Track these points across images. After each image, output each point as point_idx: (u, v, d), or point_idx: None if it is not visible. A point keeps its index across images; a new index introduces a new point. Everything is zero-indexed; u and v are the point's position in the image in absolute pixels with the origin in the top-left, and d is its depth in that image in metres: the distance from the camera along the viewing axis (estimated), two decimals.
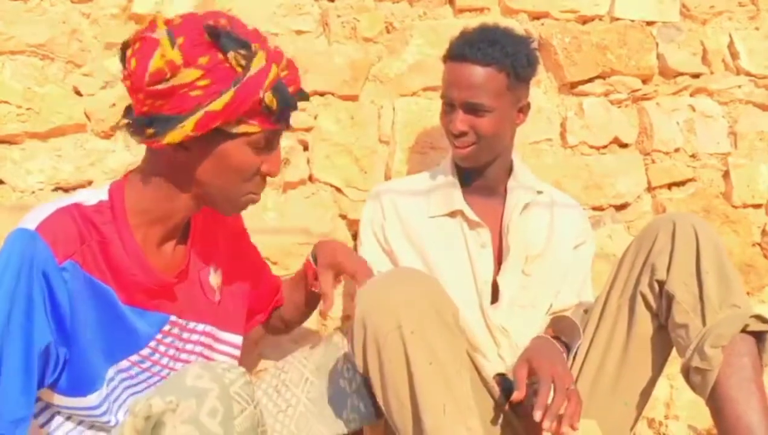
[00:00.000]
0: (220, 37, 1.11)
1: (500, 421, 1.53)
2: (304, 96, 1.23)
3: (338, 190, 2.04)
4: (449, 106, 1.66)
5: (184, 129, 1.12)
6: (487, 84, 1.60)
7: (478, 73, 1.60)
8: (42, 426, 1.21)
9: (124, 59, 1.16)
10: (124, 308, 1.20)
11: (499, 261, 1.69)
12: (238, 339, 1.42)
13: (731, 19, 2.37)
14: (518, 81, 1.65)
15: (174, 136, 1.13)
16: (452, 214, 1.70)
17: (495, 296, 1.66)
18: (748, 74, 2.35)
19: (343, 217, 2.04)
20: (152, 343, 1.25)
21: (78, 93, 1.88)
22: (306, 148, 2.03)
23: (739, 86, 2.34)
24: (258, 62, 1.14)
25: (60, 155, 1.83)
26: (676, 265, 1.42)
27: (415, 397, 1.20)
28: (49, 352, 1.11)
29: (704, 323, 1.37)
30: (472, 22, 1.95)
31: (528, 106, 1.72)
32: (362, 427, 1.50)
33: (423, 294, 1.25)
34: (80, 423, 1.23)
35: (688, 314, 1.39)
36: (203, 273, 1.35)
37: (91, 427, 1.23)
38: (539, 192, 1.77)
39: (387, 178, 2.07)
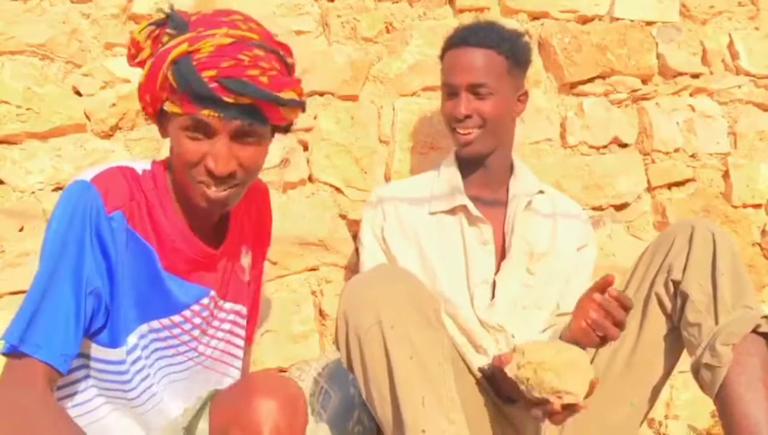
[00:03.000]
0: (169, 18, 1.19)
1: (492, 417, 1.53)
2: (237, 87, 1.14)
3: (338, 190, 2.04)
4: (451, 94, 1.69)
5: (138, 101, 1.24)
6: (489, 66, 1.65)
7: (480, 55, 1.65)
8: (70, 395, 1.23)
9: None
10: (164, 273, 1.24)
11: (500, 259, 1.69)
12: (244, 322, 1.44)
13: (731, 19, 2.37)
14: (516, 66, 1.70)
15: (145, 112, 1.24)
16: (453, 211, 1.70)
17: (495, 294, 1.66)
18: (747, 74, 2.35)
19: (343, 217, 2.04)
20: (186, 312, 1.27)
21: (78, 93, 1.88)
22: (306, 148, 2.03)
23: (739, 86, 2.34)
24: (177, 40, 1.16)
25: (60, 155, 1.83)
26: (692, 266, 1.43)
27: (395, 391, 1.21)
28: (99, 295, 1.15)
29: (717, 323, 1.39)
30: (470, 21, 1.96)
31: (526, 95, 1.75)
32: None
33: (403, 290, 1.26)
34: (103, 392, 1.24)
35: (702, 314, 1.40)
36: (239, 252, 1.38)
37: (114, 398, 1.24)
38: (541, 191, 1.77)
39: (387, 178, 2.07)
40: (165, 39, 1.18)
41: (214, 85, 1.13)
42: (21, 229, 1.78)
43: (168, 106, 1.19)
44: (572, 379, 1.29)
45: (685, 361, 1.53)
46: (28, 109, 1.81)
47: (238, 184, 1.22)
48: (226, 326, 1.37)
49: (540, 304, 1.66)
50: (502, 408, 1.53)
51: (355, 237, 2.03)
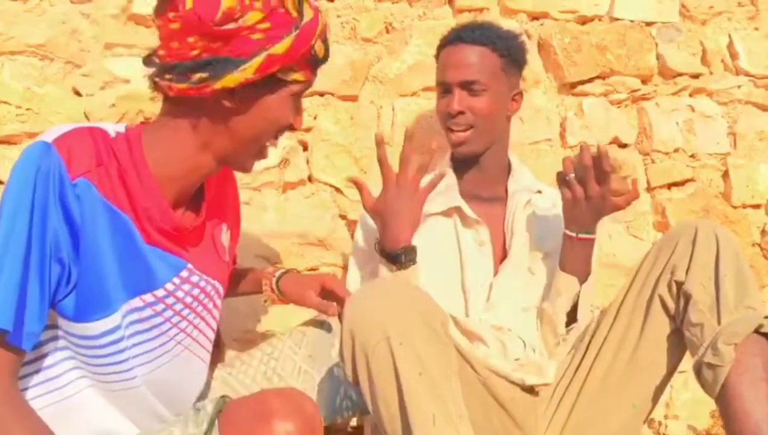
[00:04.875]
0: None
1: (496, 416, 1.53)
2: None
3: (338, 190, 2.04)
4: (445, 91, 1.70)
5: (245, 72, 1.11)
6: (482, 62, 1.66)
7: (474, 51, 1.67)
8: (39, 370, 1.15)
9: (164, 1, 1.13)
10: (142, 244, 1.16)
11: (499, 261, 1.68)
12: (220, 302, 1.37)
13: (731, 19, 2.37)
14: (511, 65, 1.70)
15: (231, 80, 1.11)
16: (447, 213, 1.69)
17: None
18: (747, 74, 2.35)
19: (343, 217, 2.05)
20: (169, 286, 1.19)
21: (77, 93, 1.88)
22: (306, 148, 2.03)
23: (739, 86, 2.34)
24: (308, 11, 1.16)
25: None
26: (696, 267, 1.44)
27: (405, 408, 1.20)
28: (63, 263, 1.08)
29: (719, 323, 1.39)
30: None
31: (521, 95, 1.76)
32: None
33: (410, 304, 1.24)
34: (81, 366, 1.16)
35: (704, 314, 1.41)
36: (217, 231, 1.32)
37: (91, 373, 1.17)
38: (539, 192, 1.77)
39: None
40: (293, 5, 1.14)
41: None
42: None
43: (292, 76, 1.17)
44: None
45: (685, 362, 1.53)
46: (27, 109, 1.81)
47: None
48: (209, 304, 1.28)
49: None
50: (506, 407, 1.54)
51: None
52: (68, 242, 1.08)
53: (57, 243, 1.07)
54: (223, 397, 1.24)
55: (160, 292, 1.19)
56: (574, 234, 1.58)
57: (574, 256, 1.59)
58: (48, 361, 1.15)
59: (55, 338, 1.14)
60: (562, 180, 1.55)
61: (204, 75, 1.11)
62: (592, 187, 1.51)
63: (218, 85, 1.11)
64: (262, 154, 1.25)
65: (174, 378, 1.24)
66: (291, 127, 1.24)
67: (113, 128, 1.17)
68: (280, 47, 1.12)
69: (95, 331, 1.13)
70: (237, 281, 1.58)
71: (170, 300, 1.20)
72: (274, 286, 1.55)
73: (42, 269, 1.06)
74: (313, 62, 1.20)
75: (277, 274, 1.56)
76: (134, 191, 1.14)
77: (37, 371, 1.15)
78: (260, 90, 1.16)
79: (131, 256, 1.14)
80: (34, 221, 1.05)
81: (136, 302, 1.16)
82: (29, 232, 1.05)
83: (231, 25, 1.09)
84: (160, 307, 1.19)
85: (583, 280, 1.59)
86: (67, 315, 1.12)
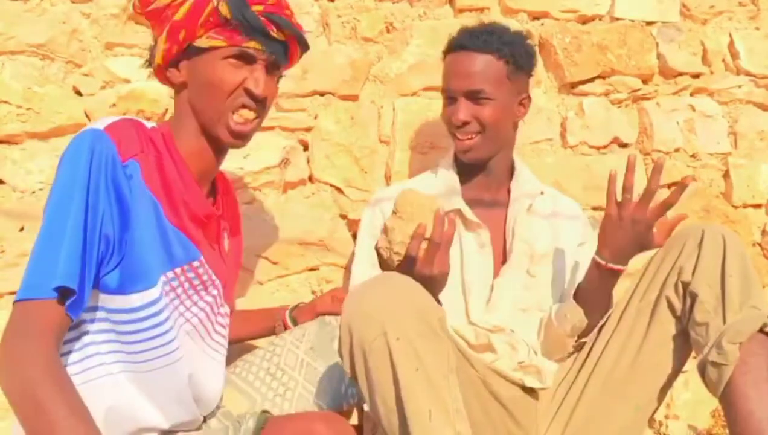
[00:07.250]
0: None
1: (496, 414, 1.53)
2: (281, 21, 1.26)
3: (338, 190, 2.04)
4: (451, 99, 1.68)
5: (160, 46, 1.26)
6: (487, 71, 1.63)
7: (478, 60, 1.63)
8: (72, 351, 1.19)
9: None
10: (168, 225, 1.24)
11: (500, 262, 1.68)
12: (227, 310, 1.44)
13: (731, 19, 2.37)
14: (518, 71, 1.67)
15: (158, 56, 1.26)
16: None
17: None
18: (748, 74, 2.35)
19: (343, 217, 2.05)
20: (177, 270, 1.26)
21: (78, 93, 1.88)
22: (306, 148, 2.03)
23: (739, 86, 2.34)
24: None
25: (60, 155, 1.83)
26: (702, 268, 1.44)
27: (401, 403, 1.20)
28: (108, 240, 1.15)
29: (724, 322, 1.39)
30: (472, 22, 1.96)
31: (529, 99, 1.73)
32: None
33: (408, 300, 1.24)
34: (109, 343, 1.20)
35: (710, 314, 1.41)
36: (223, 233, 1.39)
37: (125, 351, 1.20)
38: (541, 193, 1.77)
39: (387, 178, 2.07)
40: None
41: (263, 19, 1.24)
42: (21, 229, 1.78)
43: (205, 42, 1.24)
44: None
45: (686, 363, 1.53)
46: (28, 109, 1.81)
47: (258, 118, 1.30)
48: (209, 299, 1.34)
49: (541, 306, 1.66)
50: (506, 405, 1.54)
51: (355, 237, 2.03)
52: (117, 220, 1.17)
53: (105, 221, 1.15)
54: (264, 412, 1.27)
55: (178, 270, 1.26)
56: (603, 262, 1.54)
57: (598, 285, 1.56)
58: (83, 340, 1.19)
59: (92, 320, 1.19)
60: (612, 197, 1.50)
61: (151, 59, 1.28)
62: (640, 208, 1.48)
63: (154, 63, 1.28)
64: (233, 120, 1.28)
65: (200, 366, 1.30)
66: (246, 90, 1.26)
67: (146, 122, 1.28)
68: (179, 14, 1.23)
69: (136, 302, 1.19)
70: (243, 323, 1.65)
71: (184, 278, 1.27)
72: (287, 318, 1.64)
73: (92, 245, 1.13)
74: (230, 25, 1.23)
75: (289, 308, 1.67)
76: (171, 180, 1.24)
77: (72, 351, 1.19)
78: (193, 60, 1.26)
79: (161, 235, 1.23)
80: (88, 201, 1.13)
81: (171, 275, 1.24)
82: (84, 210, 1.12)
83: (152, 6, 1.25)
84: (178, 281, 1.27)
85: (601, 312, 1.58)
86: (111, 289, 1.18)
